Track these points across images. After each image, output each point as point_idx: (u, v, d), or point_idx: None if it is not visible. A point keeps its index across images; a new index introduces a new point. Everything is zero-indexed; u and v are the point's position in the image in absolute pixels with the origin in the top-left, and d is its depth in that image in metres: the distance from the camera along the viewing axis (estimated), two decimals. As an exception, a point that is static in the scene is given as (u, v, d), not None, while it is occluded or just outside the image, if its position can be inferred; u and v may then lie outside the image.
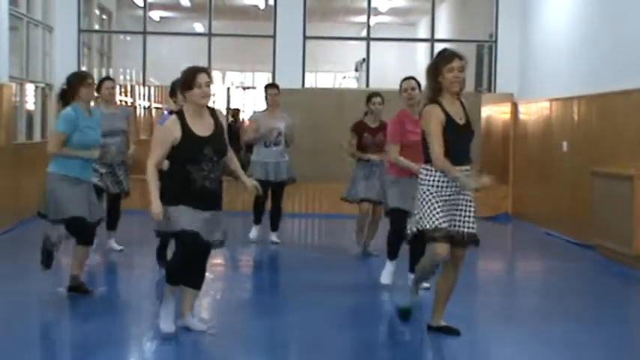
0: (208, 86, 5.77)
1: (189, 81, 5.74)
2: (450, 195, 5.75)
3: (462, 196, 5.78)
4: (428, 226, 5.71)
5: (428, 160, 5.81)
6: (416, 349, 5.97)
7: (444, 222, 5.69)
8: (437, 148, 5.66)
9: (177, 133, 5.71)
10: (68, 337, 6.25)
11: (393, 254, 7.87)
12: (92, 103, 7.67)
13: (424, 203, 5.74)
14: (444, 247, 5.72)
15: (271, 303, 7.53)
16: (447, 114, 5.73)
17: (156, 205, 5.64)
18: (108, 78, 10.03)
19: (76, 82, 7.06)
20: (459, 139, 5.79)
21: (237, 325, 6.64)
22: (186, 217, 5.72)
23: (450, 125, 5.72)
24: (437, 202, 5.71)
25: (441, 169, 5.67)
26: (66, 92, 7.10)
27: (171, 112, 7.30)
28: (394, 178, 7.74)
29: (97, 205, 7.20)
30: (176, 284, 5.96)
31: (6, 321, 6.45)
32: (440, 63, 5.75)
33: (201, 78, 5.72)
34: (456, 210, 5.77)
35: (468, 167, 5.80)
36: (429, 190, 5.74)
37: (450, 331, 5.98)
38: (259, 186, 6.24)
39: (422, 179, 5.81)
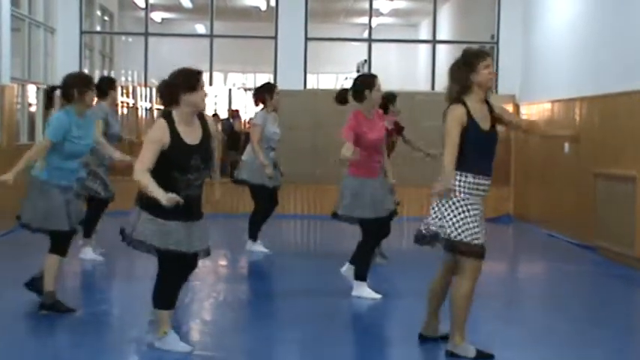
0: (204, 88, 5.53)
1: (195, 82, 5.42)
2: (479, 202, 5.52)
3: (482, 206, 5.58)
4: (468, 240, 5.40)
5: (457, 164, 5.45)
6: (416, 351, 5.95)
7: (481, 237, 5.44)
8: (449, 154, 5.38)
9: (165, 138, 5.36)
10: (67, 343, 6.24)
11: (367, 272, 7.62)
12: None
13: (460, 213, 5.42)
14: (479, 264, 5.50)
15: (272, 305, 7.52)
16: (470, 116, 5.47)
17: (167, 197, 5.16)
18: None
19: (82, 84, 6.61)
20: (483, 146, 5.56)
21: (238, 326, 6.63)
22: (173, 234, 5.42)
23: (473, 130, 5.47)
24: (473, 214, 5.43)
25: (445, 174, 5.38)
26: (64, 93, 6.65)
27: None
28: (360, 179, 7.43)
29: (78, 210, 6.78)
30: (170, 307, 5.65)
31: (6, 323, 6.45)
32: (475, 59, 5.48)
33: (203, 80, 5.50)
34: (481, 219, 5.56)
35: (489, 182, 5.58)
36: (466, 199, 5.43)
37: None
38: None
39: (456, 185, 5.45)
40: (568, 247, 10.99)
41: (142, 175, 5.25)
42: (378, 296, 7.45)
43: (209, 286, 7.98)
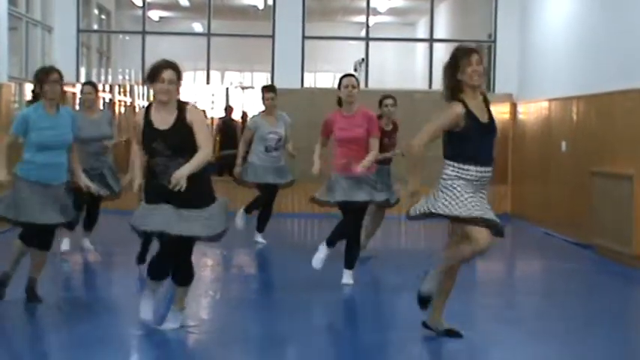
0: (172, 83, 5.67)
1: (154, 74, 5.70)
2: (474, 191, 5.68)
3: (481, 194, 5.74)
4: (463, 214, 5.61)
5: (448, 155, 5.71)
6: (414, 349, 5.97)
7: (477, 210, 5.63)
8: (425, 134, 5.67)
9: (141, 121, 5.81)
10: (64, 337, 6.23)
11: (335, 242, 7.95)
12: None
13: (453, 193, 5.62)
14: (485, 234, 5.67)
15: (269, 302, 7.53)
16: (469, 111, 5.65)
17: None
18: (88, 82, 9.77)
19: (41, 78, 6.67)
20: (483, 138, 5.73)
21: (235, 324, 6.63)
22: (153, 216, 5.72)
23: (473, 124, 5.65)
24: (466, 192, 5.62)
25: (412, 151, 5.69)
26: (34, 89, 6.77)
27: None
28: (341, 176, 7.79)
29: (67, 205, 6.77)
30: (154, 279, 6.01)
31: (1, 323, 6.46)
32: (458, 60, 5.67)
33: (166, 74, 5.67)
34: (482, 201, 5.73)
35: (490, 169, 5.74)
36: (455, 183, 5.63)
37: (453, 334, 5.95)
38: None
39: (447, 174, 5.67)
40: (565, 246, 10.99)
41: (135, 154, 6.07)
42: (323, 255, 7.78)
43: (206, 284, 7.98)
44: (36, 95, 6.81)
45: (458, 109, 5.64)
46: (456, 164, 5.67)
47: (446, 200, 5.63)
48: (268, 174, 10.04)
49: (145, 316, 6.03)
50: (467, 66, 5.63)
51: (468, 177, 5.66)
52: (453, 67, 5.69)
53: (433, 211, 5.66)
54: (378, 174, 8.37)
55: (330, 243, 7.81)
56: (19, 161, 6.71)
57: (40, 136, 6.61)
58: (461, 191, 5.63)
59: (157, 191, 5.71)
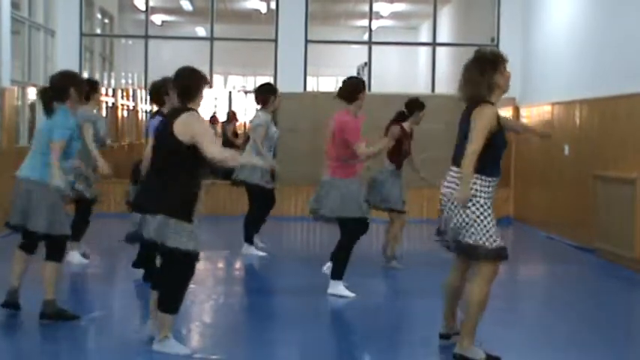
0: None
1: (202, 85, 5.59)
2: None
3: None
4: (496, 245, 5.41)
5: (479, 168, 5.33)
6: (416, 353, 5.96)
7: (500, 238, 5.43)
8: (475, 148, 5.24)
9: None
10: (65, 347, 6.24)
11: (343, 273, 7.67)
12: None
13: (485, 218, 5.44)
14: (496, 266, 5.53)
15: (272, 307, 7.52)
16: (499, 119, 5.38)
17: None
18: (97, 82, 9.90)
19: (77, 84, 6.52)
20: (503, 150, 5.48)
21: (238, 328, 6.63)
22: (198, 236, 5.48)
23: (500, 133, 5.39)
24: (492, 216, 5.42)
25: (465, 170, 5.27)
26: (59, 93, 6.47)
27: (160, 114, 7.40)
28: (351, 180, 7.53)
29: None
30: (177, 312, 5.65)
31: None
32: (499, 61, 5.38)
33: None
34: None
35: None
36: (486, 203, 5.42)
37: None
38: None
39: (477, 190, 5.39)
40: (567, 249, 10.99)
41: (226, 151, 5.56)
42: (352, 295, 7.49)
43: (208, 289, 7.98)
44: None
45: (494, 108, 5.34)
46: (485, 177, 5.39)
47: (484, 226, 5.42)
48: (269, 177, 9.79)
49: (182, 350, 5.60)
50: (505, 71, 5.40)
51: (491, 191, 5.45)
52: (495, 65, 5.37)
53: (473, 242, 5.41)
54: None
55: (340, 276, 7.59)
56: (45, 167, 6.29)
57: (77, 142, 6.55)
58: (490, 215, 5.41)
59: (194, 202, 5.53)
